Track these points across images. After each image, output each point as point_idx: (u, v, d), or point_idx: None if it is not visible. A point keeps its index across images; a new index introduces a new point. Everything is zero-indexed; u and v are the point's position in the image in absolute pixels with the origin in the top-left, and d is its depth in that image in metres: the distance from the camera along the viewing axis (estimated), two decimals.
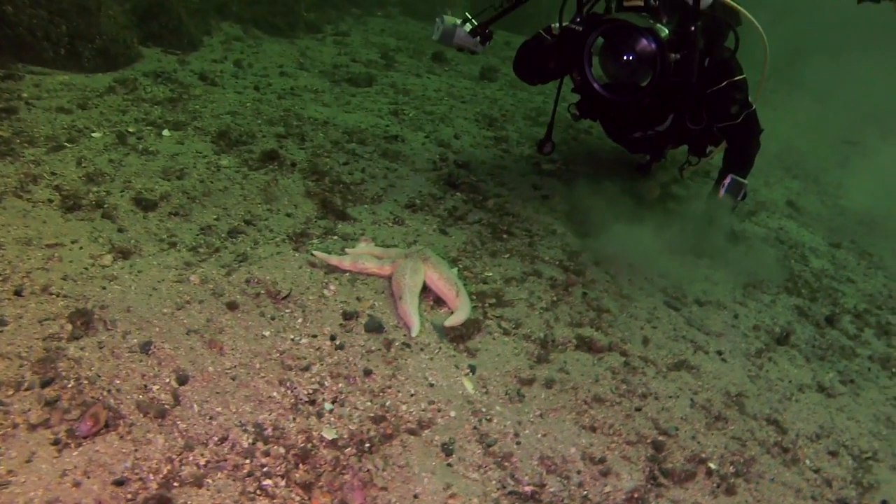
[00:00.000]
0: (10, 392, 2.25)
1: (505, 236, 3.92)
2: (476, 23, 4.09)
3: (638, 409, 2.84)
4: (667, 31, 3.49)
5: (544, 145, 4.42)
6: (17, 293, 2.65)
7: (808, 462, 2.84)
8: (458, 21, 4.08)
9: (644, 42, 3.47)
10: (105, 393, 2.29)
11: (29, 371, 2.33)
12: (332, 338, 2.72)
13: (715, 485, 2.58)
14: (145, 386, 2.34)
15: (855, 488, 2.78)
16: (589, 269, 3.77)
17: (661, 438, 2.72)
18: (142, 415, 2.24)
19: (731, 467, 2.68)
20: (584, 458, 2.54)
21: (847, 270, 4.66)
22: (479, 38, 4.12)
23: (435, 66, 7.14)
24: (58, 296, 2.67)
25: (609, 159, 5.42)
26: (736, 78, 4.04)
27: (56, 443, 2.12)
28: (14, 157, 3.52)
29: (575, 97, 4.42)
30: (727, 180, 4.21)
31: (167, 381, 2.38)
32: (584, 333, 3.20)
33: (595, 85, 3.74)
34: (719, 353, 3.37)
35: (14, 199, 3.19)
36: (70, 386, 2.29)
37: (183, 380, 2.39)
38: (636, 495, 2.44)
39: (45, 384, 2.29)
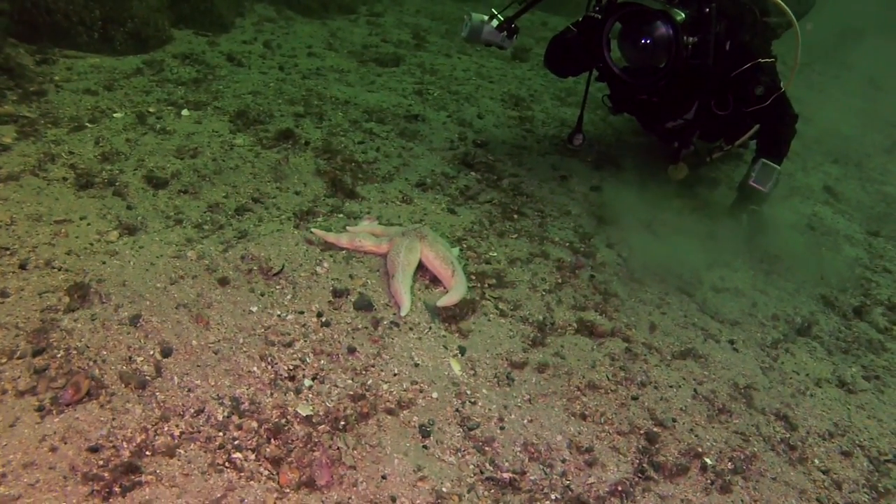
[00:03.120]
0: (4, 360, 2.34)
1: (515, 216, 3.85)
2: (502, 18, 4.03)
3: (634, 398, 2.74)
4: (683, 15, 3.42)
5: (574, 137, 4.33)
6: (22, 266, 2.75)
7: (816, 462, 2.69)
8: (486, 17, 4.02)
9: (659, 26, 3.43)
10: (91, 363, 2.35)
11: (23, 341, 2.42)
12: (319, 314, 2.72)
13: (709, 481, 2.47)
14: (130, 357, 2.39)
15: (868, 493, 2.60)
16: (600, 252, 3.66)
17: (655, 430, 2.62)
18: (123, 385, 2.30)
19: (730, 463, 2.56)
20: (571, 446, 2.47)
21: (884, 260, 4.38)
22: (505, 33, 4.06)
23: (466, 47, 7.04)
24: (59, 270, 2.76)
25: (635, 143, 5.24)
26: (760, 60, 3.87)
27: (40, 409, 2.19)
28: (37, 137, 3.65)
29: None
30: (758, 165, 4.03)
31: (151, 353, 2.42)
32: (586, 317, 3.11)
33: (614, 69, 3.67)
34: (731, 342, 3.22)
35: (31, 177, 3.30)
36: (59, 356, 2.37)
37: (167, 352, 2.43)
38: (620, 488, 2.36)
39: (36, 353, 2.37)
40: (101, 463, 2.05)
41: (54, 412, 2.18)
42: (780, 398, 2.95)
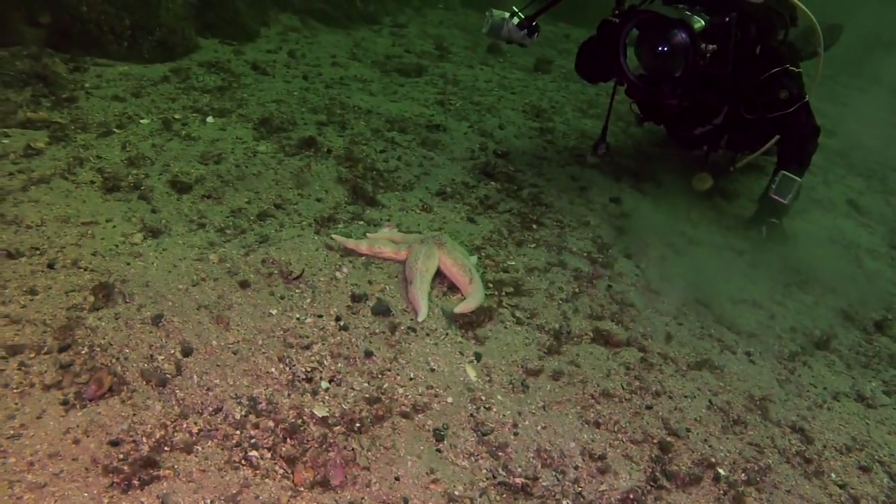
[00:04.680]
0: (32, 355, 2.41)
1: (534, 226, 3.87)
2: (523, 16, 4.09)
3: (648, 408, 2.74)
4: (703, 22, 3.43)
5: (598, 146, 4.35)
6: (50, 266, 2.82)
7: (833, 476, 2.66)
8: (507, 15, 4.09)
9: (676, 34, 3.43)
10: (114, 360, 2.41)
11: (50, 337, 2.48)
12: (338, 318, 2.76)
13: (721, 492, 2.45)
14: (151, 356, 2.45)
15: None
16: (618, 262, 3.67)
17: (669, 439, 2.61)
18: (144, 382, 2.35)
19: (743, 474, 2.54)
20: (584, 453, 2.47)
21: None
22: (526, 31, 4.12)
23: (489, 58, 7.09)
24: (85, 270, 2.83)
25: (654, 154, 5.24)
26: (788, 66, 3.89)
27: (65, 403, 2.25)
28: (67, 141, 3.75)
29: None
30: (779, 177, 4.01)
31: (172, 352, 2.48)
32: (602, 327, 3.12)
33: (629, 76, 3.68)
34: (748, 353, 3.21)
35: (61, 180, 3.40)
36: (84, 352, 2.43)
37: (187, 352, 2.48)
38: (632, 496, 2.36)
39: (62, 349, 2.44)
40: (121, 456, 2.10)
41: (78, 406, 2.24)
42: (797, 411, 2.93)
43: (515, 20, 4.09)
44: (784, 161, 4.15)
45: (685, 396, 2.85)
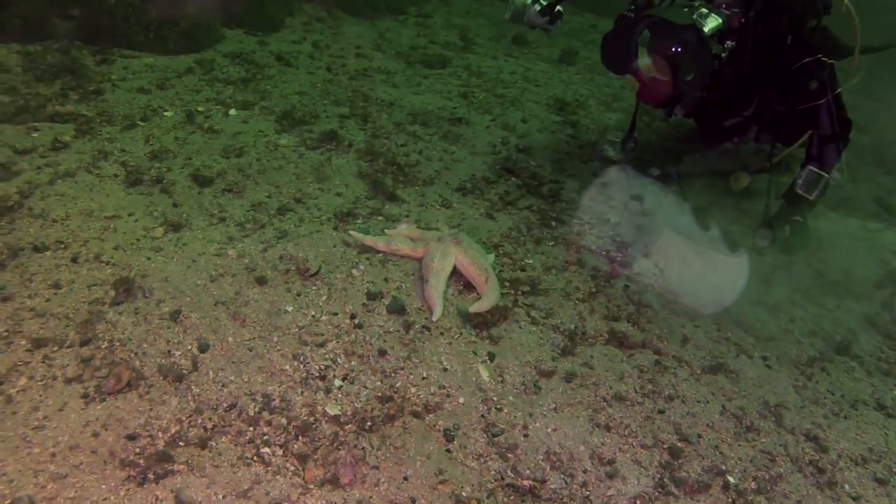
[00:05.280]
0: (56, 348, 2.48)
1: (554, 223, 3.85)
2: (545, 2, 4.07)
3: (661, 412, 2.73)
4: (719, 21, 3.34)
5: (626, 142, 4.30)
6: (74, 260, 2.89)
7: (847, 487, 2.62)
8: (529, 1, 4.09)
9: (685, 38, 3.35)
10: (132, 355, 2.47)
11: (73, 331, 2.55)
12: (353, 316, 2.79)
13: (730, 500, 2.44)
14: (169, 351, 2.51)
15: None
16: (637, 262, 3.64)
17: (679, 445, 2.60)
18: (161, 377, 2.41)
19: (753, 483, 2.53)
20: (593, 457, 2.48)
21: None
22: (548, 17, 4.10)
23: (514, 49, 7.04)
24: (107, 264, 2.90)
25: (678, 150, 5.16)
26: (820, 56, 3.78)
27: (85, 396, 2.31)
28: (93, 135, 3.82)
29: None
30: (805, 172, 3.92)
31: (189, 347, 2.53)
32: (617, 328, 3.10)
33: (641, 77, 3.62)
34: (764, 358, 3.17)
35: (85, 173, 3.47)
36: (104, 346, 2.50)
37: (204, 348, 2.53)
38: (639, 502, 2.36)
39: (83, 343, 2.51)
40: (137, 451, 2.16)
41: (97, 400, 2.31)
42: (812, 418, 2.89)
43: (537, 6, 4.08)
44: (811, 156, 4.04)
45: (698, 401, 2.83)
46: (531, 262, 3.46)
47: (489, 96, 5.58)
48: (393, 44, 6.51)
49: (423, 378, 2.62)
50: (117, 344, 2.50)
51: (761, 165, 4.56)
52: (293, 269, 2.97)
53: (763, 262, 3.85)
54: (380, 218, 3.55)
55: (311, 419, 2.36)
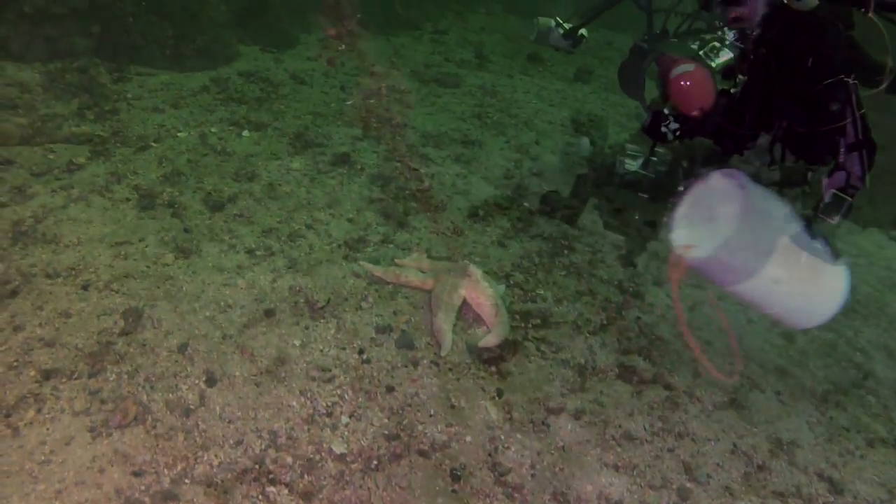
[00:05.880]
0: (64, 380, 2.49)
1: (566, 251, 3.82)
2: (567, 27, 4.08)
3: (670, 451, 2.69)
4: (730, 56, 3.29)
5: (646, 166, 4.27)
6: (84, 287, 2.91)
7: None
8: (553, 23, 4.11)
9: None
10: (140, 388, 2.47)
11: (81, 362, 2.56)
12: (361, 351, 2.78)
13: None
14: (176, 385, 2.51)
15: None
16: (649, 292, 3.60)
17: (688, 485, 2.56)
18: (168, 412, 2.40)
19: None
20: (600, 497, 2.45)
21: None
22: (571, 41, 4.11)
23: (529, 67, 7.02)
24: (117, 292, 2.91)
25: (700, 173, 5.11)
26: (842, 77, 3.71)
27: (92, 430, 2.32)
28: (107, 156, 3.85)
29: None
30: (828, 195, 3.85)
31: (196, 382, 2.53)
32: (629, 362, 3.07)
33: (646, 111, 3.59)
34: (777, 392, 3.12)
35: (98, 196, 3.49)
36: (112, 379, 2.50)
37: (211, 382, 2.53)
38: None
39: (91, 375, 2.51)
40: (142, 488, 2.16)
41: (104, 434, 2.31)
42: (826, 457, 2.84)
43: (561, 30, 4.09)
44: (834, 177, 3.97)
45: (708, 439, 2.79)
46: (542, 292, 3.43)
47: (503, 116, 5.56)
48: (408, 61, 6.52)
49: (431, 415, 2.60)
50: (125, 376, 2.51)
51: (798, 184, 4.48)
52: (302, 301, 2.97)
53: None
54: (390, 245, 3.54)
55: (318, 457, 2.35)
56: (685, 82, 3.31)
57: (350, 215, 3.76)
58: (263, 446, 2.35)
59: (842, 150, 3.89)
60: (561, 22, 4.10)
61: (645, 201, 4.55)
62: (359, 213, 3.79)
